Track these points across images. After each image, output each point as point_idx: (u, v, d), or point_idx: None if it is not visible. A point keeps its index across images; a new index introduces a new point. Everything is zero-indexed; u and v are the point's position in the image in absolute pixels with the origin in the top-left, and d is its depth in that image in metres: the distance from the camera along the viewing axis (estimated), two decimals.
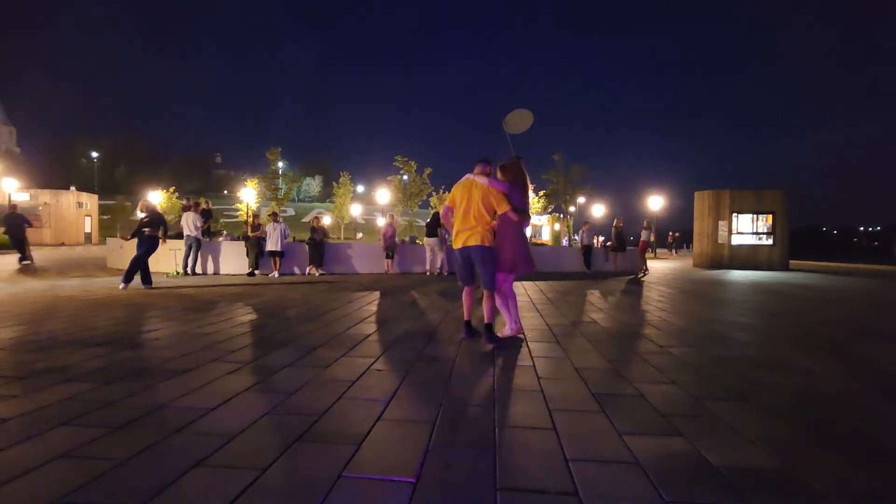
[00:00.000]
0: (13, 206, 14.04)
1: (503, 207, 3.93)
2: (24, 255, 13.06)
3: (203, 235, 11.47)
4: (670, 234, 37.10)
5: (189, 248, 10.86)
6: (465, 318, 4.26)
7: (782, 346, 4.33)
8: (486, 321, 4.06)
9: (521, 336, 4.34)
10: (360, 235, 50.51)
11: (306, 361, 3.46)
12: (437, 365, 3.41)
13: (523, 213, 4.06)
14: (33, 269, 12.15)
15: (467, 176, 4.11)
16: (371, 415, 2.41)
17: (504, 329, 4.38)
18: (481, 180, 4.01)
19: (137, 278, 8.07)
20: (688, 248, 40.63)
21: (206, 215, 12.31)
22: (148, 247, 8.03)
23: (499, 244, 4.09)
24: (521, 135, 4.61)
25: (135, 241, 8.20)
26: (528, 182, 4.24)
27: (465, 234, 4.03)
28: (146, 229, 8.09)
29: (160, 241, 8.26)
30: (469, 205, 4.01)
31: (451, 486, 1.75)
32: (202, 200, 13.04)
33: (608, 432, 2.25)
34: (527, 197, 4.22)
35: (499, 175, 4.15)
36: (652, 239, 15.30)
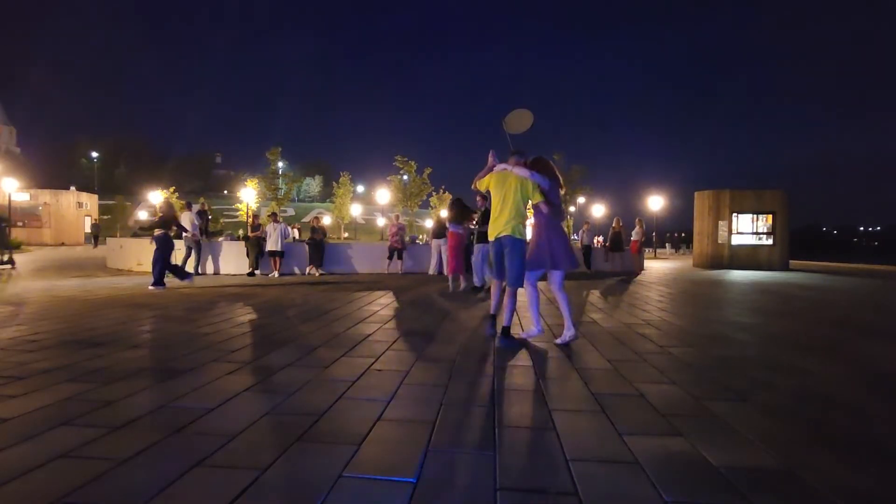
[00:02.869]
0: (95, 220, 30.21)
1: (536, 198, 3.97)
2: (96, 245, 25.38)
3: (200, 236, 11.48)
4: (654, 234, 36.96)
5: (189, 250, 10.88)
6: (492, 311, 4.29)
7: (782, 346, 4.32)
8: (504, 323, 4.05)
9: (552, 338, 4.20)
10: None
11: (306, 361, 3.46)
12: (437, 365, 3.41)
13: (557, 207, 4.09)
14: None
15: (503, 166, 4.05)
16: (371, 415, 2.41)
17: (521, 332, 4.35)
18: (519, 171, 3.95)
19: (140, 279, 8.08)
20: (687, 247, 40.59)
21: (202, 216, 12.37)
22: (160, 247, 8.04)
23: (536, 240, 4.08)
24: (521, 135, 4.60)
25: (135, 241, 8.22)
26: (560, 177, 4.20)
27: (500, 226, 4.00)
28: (156, 230, 8.10)
29: (172, 238, 8.30)
30: (506, 196, 3.98)
31: (451, 486, 1.75)
32: (201, 201, 13.08)
33: (608, 432, 2.25)
34: (559, 193, 4.16)
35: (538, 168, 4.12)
36: (642, 238, 15.40)
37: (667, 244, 36.74)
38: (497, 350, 3.86)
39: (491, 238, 4.12)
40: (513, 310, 4.09)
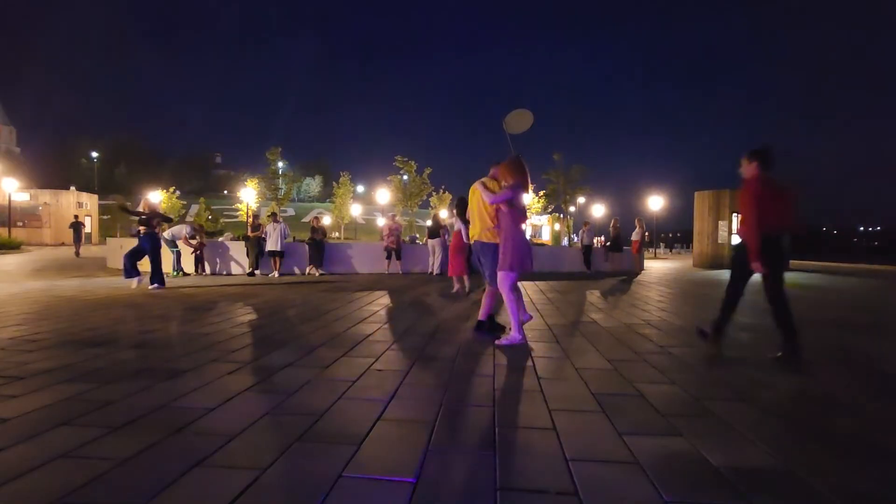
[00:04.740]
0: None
1: (487, 200, 4.22)
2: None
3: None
4: (646, 234, 36.95)
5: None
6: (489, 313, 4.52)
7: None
8: (479, 317, 4.43)
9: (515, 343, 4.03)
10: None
11: (306, 361, 3.46)
12: (437, 365, 3.41)
13: (520, 211, 4.25)
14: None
15: (477, 185, 4.40)
16: (371, 415, 2.41)
17: (502, 339, 4.10)
18: (479, 186, 4.34)
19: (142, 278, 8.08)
20: (685, 247, 40.55)
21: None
22: (146, 246, 8.01)
23: (513, 244, 4.15)
24: (521, 135, 4.62)
25: (135, 241, 8.19)
26: (526, 180, 4.19)
27: (473, 232, 4.45)
28: (141, 228, 8.05)
29: (160, 235, 8.28)
30: (475, 208, 4.41)
31: (451, 486, 1.75)
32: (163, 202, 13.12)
33: (608, 432, 2.25)
34: (521, 197, 4.27)
35: (501, 174, 4.24)
36: (647, 238, 15.40)
37: (661, 244, 36.78)
38: (497, 350, 3.86)
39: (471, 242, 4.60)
40: (490, 304, 4.43)
